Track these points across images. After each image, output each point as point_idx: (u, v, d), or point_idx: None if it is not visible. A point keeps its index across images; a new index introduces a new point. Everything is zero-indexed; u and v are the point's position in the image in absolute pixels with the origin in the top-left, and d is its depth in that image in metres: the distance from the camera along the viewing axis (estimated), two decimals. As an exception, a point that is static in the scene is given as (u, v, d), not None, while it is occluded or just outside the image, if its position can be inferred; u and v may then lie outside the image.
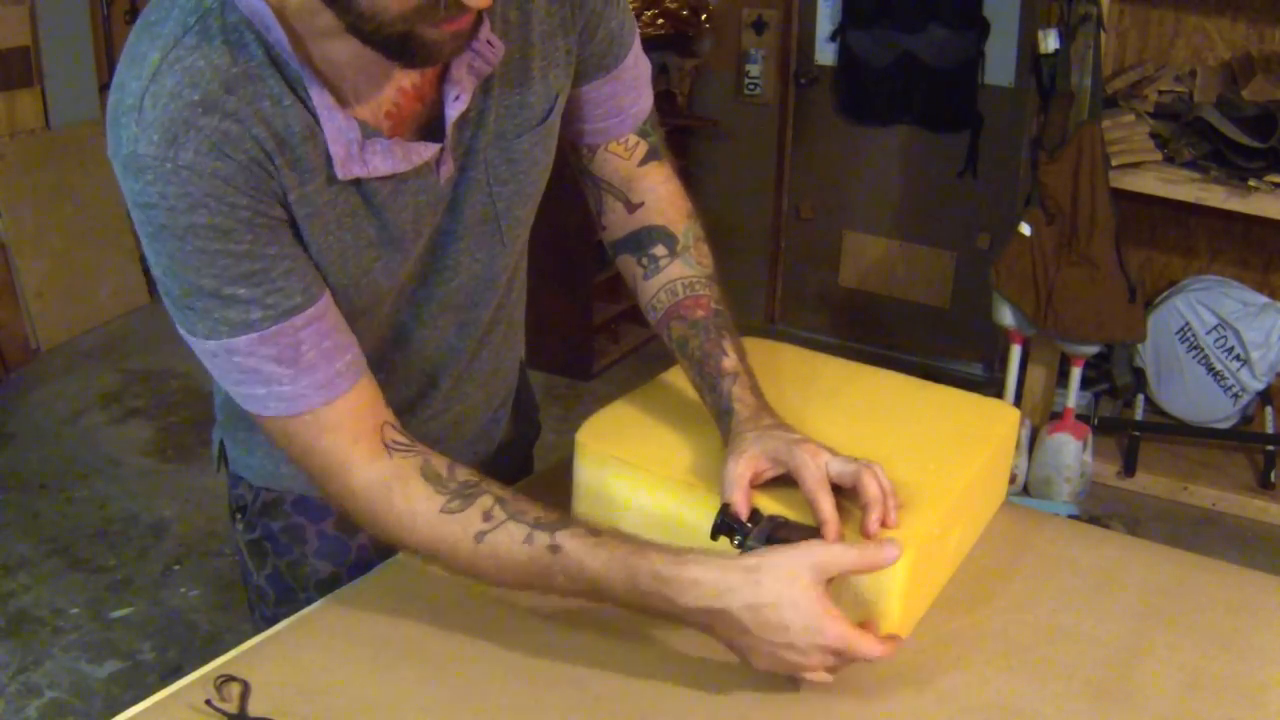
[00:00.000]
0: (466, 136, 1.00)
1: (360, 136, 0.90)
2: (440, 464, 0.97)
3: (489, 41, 0.94)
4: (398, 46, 0.83)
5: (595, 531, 0.95)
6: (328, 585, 1.19)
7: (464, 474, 0.97)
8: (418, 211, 0.99)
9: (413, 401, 1.15)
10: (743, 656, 0.94)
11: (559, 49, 1.03)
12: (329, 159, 0.90)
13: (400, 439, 0.98)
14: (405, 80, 0.94)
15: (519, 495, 0.97)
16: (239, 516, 1.25)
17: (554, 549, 0.94)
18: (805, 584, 0.90)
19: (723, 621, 0.92)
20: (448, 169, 0.99)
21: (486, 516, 0.95)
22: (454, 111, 0.95)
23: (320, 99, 0.88)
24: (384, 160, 0.92)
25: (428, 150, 0.95)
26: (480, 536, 0.94)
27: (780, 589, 0.90)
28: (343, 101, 0.90)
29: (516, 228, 1.10)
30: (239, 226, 0.86)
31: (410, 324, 1.09)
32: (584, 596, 0.96)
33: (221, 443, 1.26)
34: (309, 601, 1.11)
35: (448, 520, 0.95)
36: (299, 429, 0.94)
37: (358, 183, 0.93)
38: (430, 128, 0.97)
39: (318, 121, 0.89)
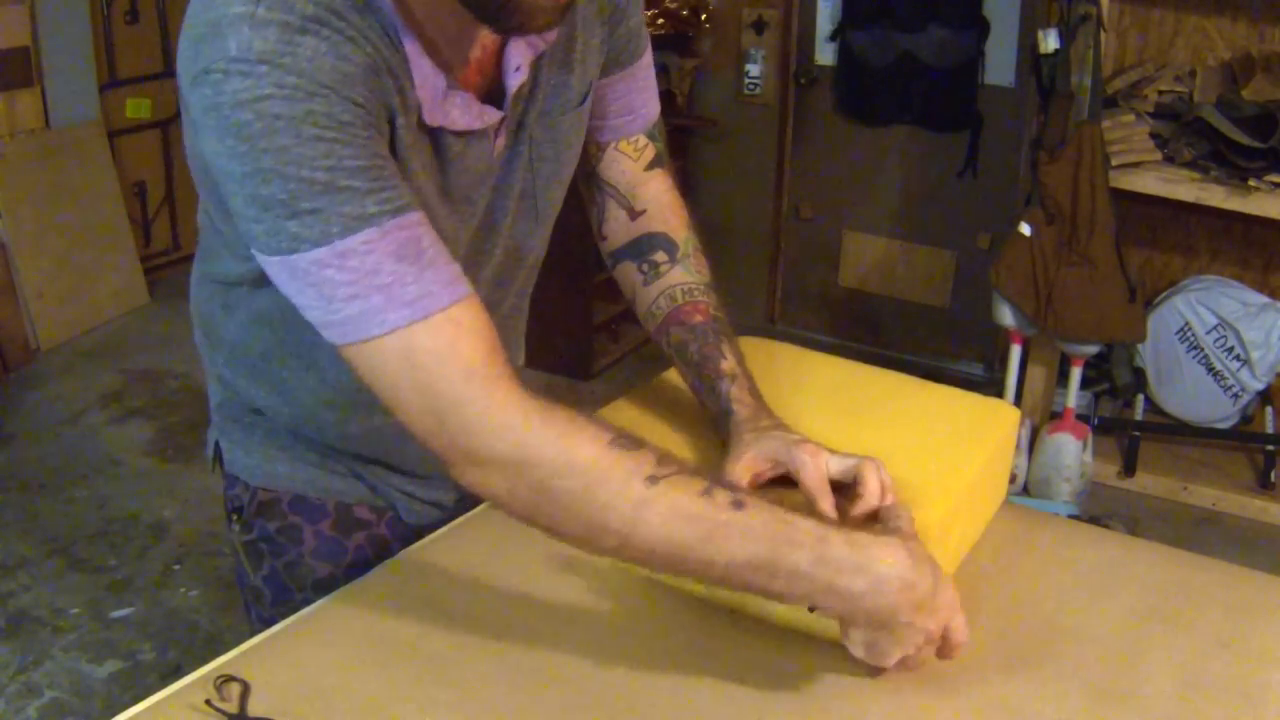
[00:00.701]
0: (519, 113, 1.04)
1: (445, 86, 0.93)
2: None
3: None
4: (496, 8, 0.85)
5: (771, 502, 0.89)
6: (325, 586, 1.19)
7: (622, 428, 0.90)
8: (474, 177, 1.02)
9: None
10: (887, 651, 0.91)
11: (595, 37, 1.08)
12: (417, 104, 0.92)
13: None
14: (473, 52, 0.97)
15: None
16: (235, 517, 1.25)
17: (738, 505, 0.86)
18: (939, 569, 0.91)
19: (907, 594, 0.87)
20: (501, 142, 1.03)
21: (661, 462, 0.86)
22: (514, 82, 0.99)
23: (412, 47, 0.90)
24: (462, 114, 0.96)
25: (495, 114, 0.99)
26: (654, 480, 0.85)
27: (935, 568, 0.90)
28: (430, 55, 0.92)
29: (548, 208, 1.13)
30: (355, 122, 0.83)
31: None
32: (752, 569, 0.86)
33: (217, 443, 1.26)
34: (306, 602, 1.11)
35: (620, 455, 0.85)
36: (429, 338, 0.84)
37: (434, 136, 0.96)
38: (487, 100, 1.00)
39: (406, 68, 0.90)
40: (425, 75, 0.91)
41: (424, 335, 0.84)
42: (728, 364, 1.12)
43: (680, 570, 0.89)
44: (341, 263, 0.82)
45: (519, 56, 0.98)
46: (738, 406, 1.08)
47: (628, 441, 0.87)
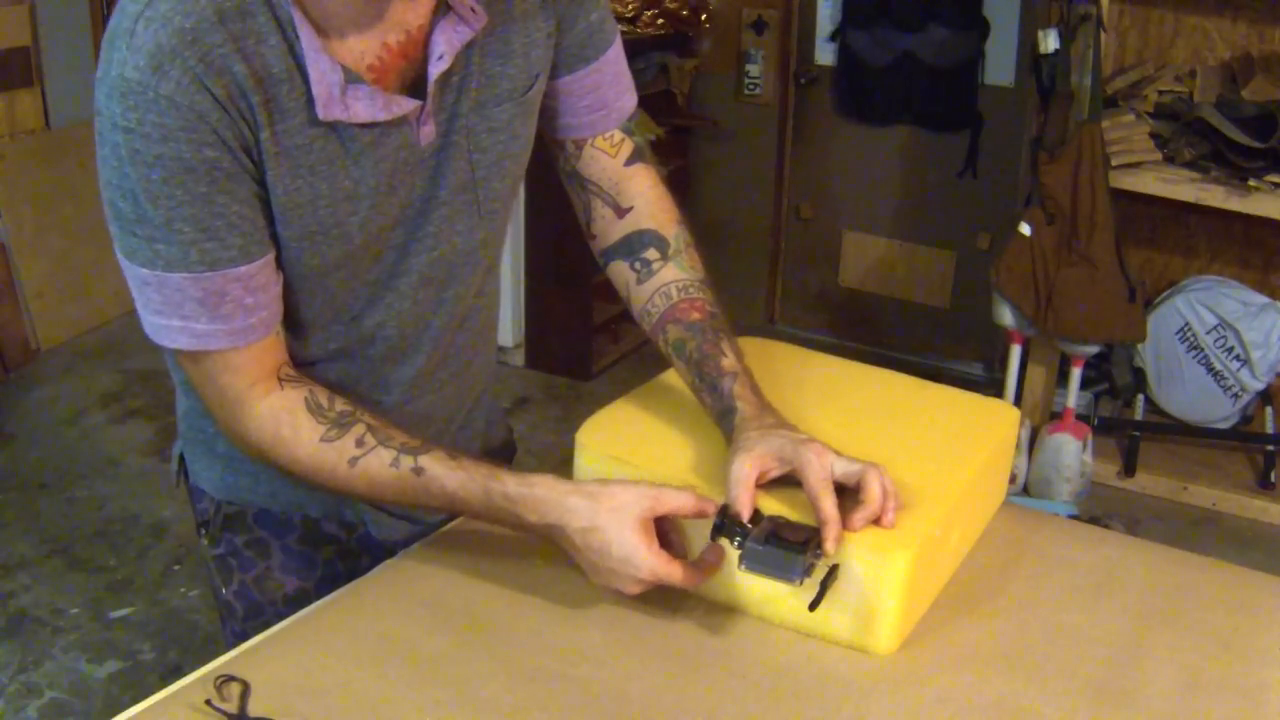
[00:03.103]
0: (449, 101, 1.03)
1: (343, 80, 0.94)
2: (322, 395, 1.05)
3: (473, 8, 0.98)
4: None
5: (454, 455, 1.04)
6: (296, 600, 1.18)
7: (341, 404, 1.05)
8: (395, 166, 1.01)
9: (387, 380, 1.15)
10: (582, 568, 1.03)
11: (540, 29, 1.07)
12: (309, 102, 0.94)
13: (292, 373, 1.05)
14: (390, 36, 0.97)
15: (389, 423, 1.05)
16: (203, 531, 1.24)
17: (417, 471, 1.03)
18: (632, 520, 0.98)
19: (561, 537, 1.01)
20: (429, 130, 1.02)
21: (359, 443, 1.03)
22: (436, 70, 0.98)
23: (308, 40, 0.92)
24: (365, 107, 0.96)
25: (409, 104, 0.99)
26: (354, 461, 1.03)
27: (608, 520, 0.99)
28: (329, 47, 0.94)
29: (493, 200, 1.11)
30: (201, 167, 0.91)
31: (389, 294, 1.09)
32: (446, 510, 1.07)
33: (182, 456, 1.25)
34: (278, 616, 1.11)
35: (326, 448, 1.03)
36: (204, 361, 1.01)
37: (338, 131, 0.96)
38: (412, 87, 1.00)
39: (299, 65, 0.92)
40: (322, 71, 0.93)
41: (200, 360, 1.01)
42: (728, 361, 1.12)
43: (391, 507, 1.18)
44: (159, 285, 0.96)
45: (444, 44, 0.98)
46: (741, 404, 1.08)
47: (336, 430, 1.04)
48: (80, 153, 4.00)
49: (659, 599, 1.06)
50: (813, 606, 0.98)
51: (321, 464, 1.03)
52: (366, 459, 1.03)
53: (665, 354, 1.17)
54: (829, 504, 0.97)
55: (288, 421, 1.03)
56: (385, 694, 0.94)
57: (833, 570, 0.98)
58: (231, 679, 0.94)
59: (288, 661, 0.98)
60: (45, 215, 3.89)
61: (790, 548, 0.97)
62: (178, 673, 1.34)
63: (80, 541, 2.92)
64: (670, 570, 0.99)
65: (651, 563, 0.98)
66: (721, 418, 1.10)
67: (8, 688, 2.39)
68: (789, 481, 1.02)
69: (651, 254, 1.18)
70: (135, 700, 0.94)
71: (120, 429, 3.49)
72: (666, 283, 1.17)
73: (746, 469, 1.00)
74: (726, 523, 0.99)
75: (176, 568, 2.83)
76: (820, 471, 0.99)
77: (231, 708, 0.91)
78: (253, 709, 0.91)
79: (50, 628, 2.59)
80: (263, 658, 0.99)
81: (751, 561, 0.98)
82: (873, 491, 0.98)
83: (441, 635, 1.02)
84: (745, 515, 0.99)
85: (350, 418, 1.04)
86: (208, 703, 0.91)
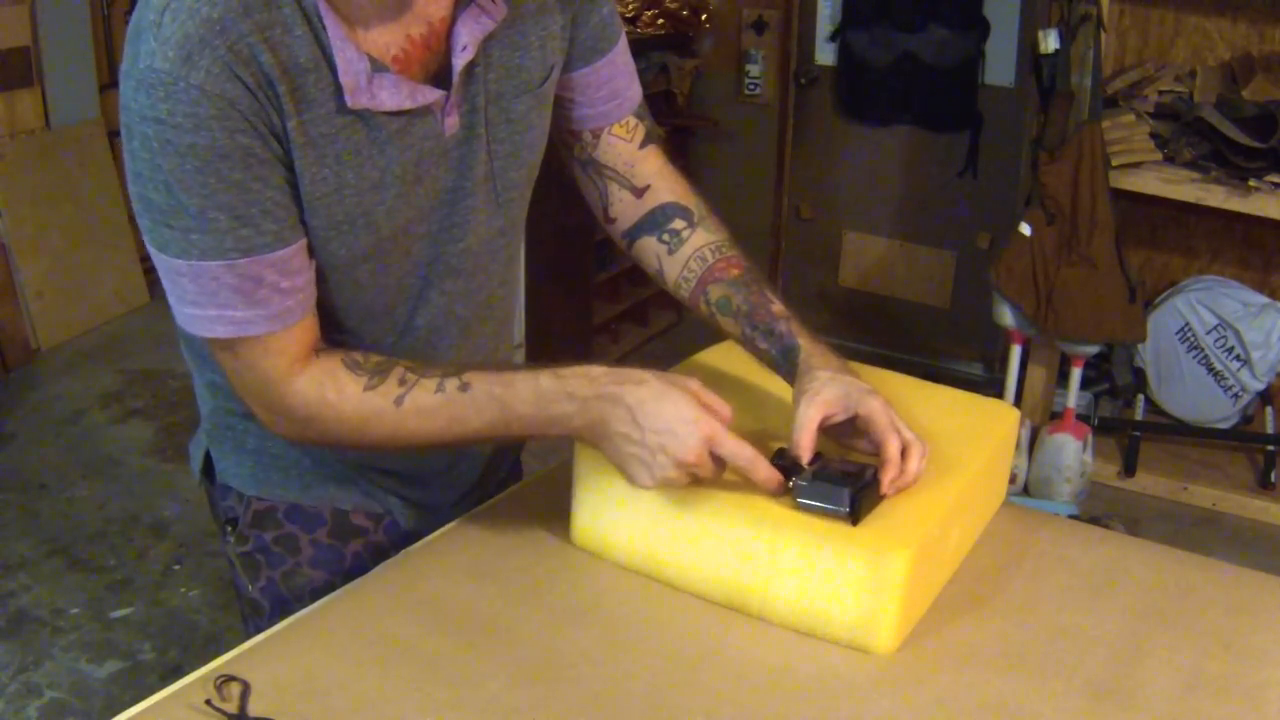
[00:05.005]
0: (470, 94, 1.04)
1: (369, 69, 0.95)
2: (358, 353, 1.05)
3: (493, 0, 1.00)
4: None
5: (496, 365, 1.06)
6: (323, 595, 1.19)
7: (377, 356, 1.06)
8: (421, 156, 1.03)
9: None
10: (629, 467, 1.01)
11: (555, 24, 1.09)
12: (336, 90, 0.95)
13: (326, 345, 1.06)
14: (413, 29, 0.99)
15: (426, 362, 1.06)
16: (230, 529, 1.25)
17: (464, 387, 1.03)
18: (682, 390, 0.99)
19: (615, 410, 0.99)
20: (454, 121, 1.04)
21: (401, 381, 1.04)
22: (460, 61, 1.00)
23: (335, 30, 0.93)
24: (391, 95, 0.97)
25: (433, 93, 1.00)
26: (400, 400, 1.03)
27: (662, 387, 0.99)
28: (353, 38, 0.95)
29: (510, 191, 1.13)
30: (234, 154, 0.92)
31: (420, 285, 1.12)
32: (497, 428, 1.04)
33: (207, 453, 1.25)
34: None
35: (370, 396, 1.03)
36: (243, 349, 1.01)
37: (365, 120, 0.98)
38: (435, 79, 1.02)
39: (325, 54, 0.94)
40: (349, 60, 0.94)
41: (239, 347, 1.01)
42: (778, 307, 1.16)
43: (442, 446, 1.09)
44: (193, 275, 0.96)
45: (467, 35, 1.00)
46: (802, 341, 1.13)
47: (377, 378, 1.04)
48: (80, 153, 4.00)
49: (658, 597, 1.06)
50: (854, 521, 1.00)
51: (368, 414, 1.03)
52: (412, 393, 1.03)
53: (707, 315, 1.20)
54: (895, 447, 1.02)
55: (330, 384, 1.03)
56: (386, 694, 0.94)
57: (873, 483, 1.02)
58: (231, 679, 0.94)
59: (288, 661, 0.98)
60: (45, 215, 3.89)
61: (841, 480, 1.00)
62: (178, 673, 1.34)
63: (80, 541, 2.92)
64: (733, 438, 0.98)
65: (709, 419, 0.98)
66: (782, 358, 1.13)
67: (8, 688, 2.39)
68: (850, 424, 1.06)
69: (678, 224, 1.22)
70: (135, 700, 0.94)
71: (120, 429, 3.49)
72: (699, 247, 1.21)
73: (812, 414, 1.03)
74: (782, 463, 1.02)
75: (176, 568, 2.83)
76: (886, 419, 1.04)
77: (231, 708, 0.91)
78: (253, 709, 0.91)
79: (50, 628, 2.59)
80: (263, 658, 0.99)
81: (802, 494, 1.00)
82: (910, 467, 1.03)
83: (442, 635, 1.02)
84: (805, 459, 1.02)
85: (388, 364, 1.05)
86: (208, 703, 0.91)
